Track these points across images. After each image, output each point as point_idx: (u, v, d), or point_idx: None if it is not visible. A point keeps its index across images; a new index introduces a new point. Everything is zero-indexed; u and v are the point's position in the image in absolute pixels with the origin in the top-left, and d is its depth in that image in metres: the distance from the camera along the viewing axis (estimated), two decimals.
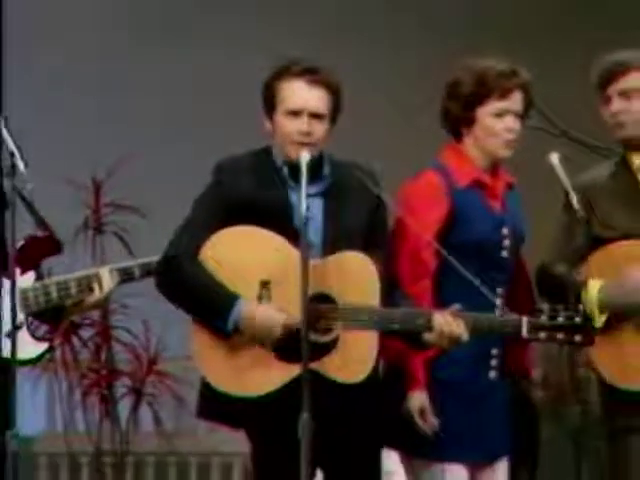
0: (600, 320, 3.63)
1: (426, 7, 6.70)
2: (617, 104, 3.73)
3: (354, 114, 5.70)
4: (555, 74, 5.90)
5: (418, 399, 3.51)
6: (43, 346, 3.44)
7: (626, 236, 3.68)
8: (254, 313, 3.30)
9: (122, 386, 6.37)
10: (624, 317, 3.64)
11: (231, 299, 3.32)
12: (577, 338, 3.36)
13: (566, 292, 3.58)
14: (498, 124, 3.63)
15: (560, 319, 3.36)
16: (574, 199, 3.58)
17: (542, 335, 3.36)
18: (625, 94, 3.73)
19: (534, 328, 3.36)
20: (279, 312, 3.30)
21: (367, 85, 5.89)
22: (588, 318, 3.38)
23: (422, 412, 3.51)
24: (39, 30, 6.58)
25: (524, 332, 3.36)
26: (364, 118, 5.76)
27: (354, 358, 3.33)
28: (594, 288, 3.63)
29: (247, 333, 3.31)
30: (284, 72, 3.41)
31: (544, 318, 3.37)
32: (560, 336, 3.36)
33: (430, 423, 3.51)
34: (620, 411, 3.70)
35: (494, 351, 3.63)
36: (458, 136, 3.69)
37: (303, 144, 3.33)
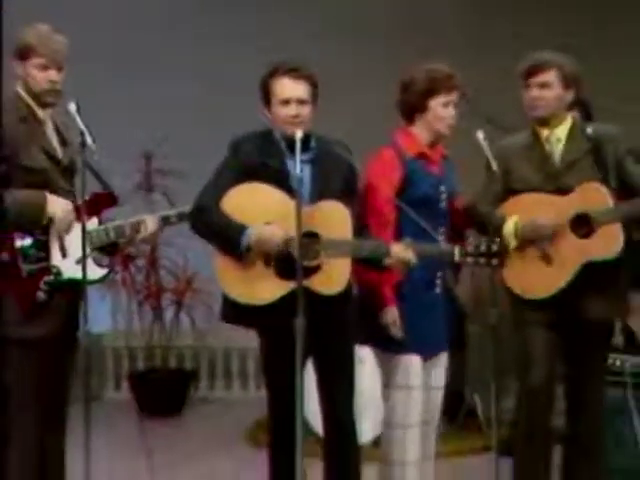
0: (513, 244, 3.64)
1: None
2: (535, 92, 3.70)
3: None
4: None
5: (391, 313, 3.55)
6: (104, 271, 3.41)
7: (535, 189, 3.69)
8: (262, 229, 3.31)
9: (167, 299, 6.36)
10: (529, 243, 3.65)
11: (243, 228, 3.33)
12: (494, 261, 3.38)
13: (488, 224, 3.61)
14: (445, 112, 3.63)
15: (482, 247, 3.37)
16: (493, 164, 3.57)
17: (469, 259, 3.39)
18: (542, 86, 3.69)
19: (463, 254, 3.38)
20: (280, 229, 3.31)
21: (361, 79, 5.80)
22: (502, 247, 3.40)
23: (394, 322, 3.54)
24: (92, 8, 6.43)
25: (456, 257, 3.39)
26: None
27: (333, 277, 3.34)
28: (511, 221, 3.64)
29: (256, 247, 3.30)
30: (274, 73, 3.40)
31: (470, 247, 3.38)
32: (482, 260, 3.38)
33: (399, 330, 3.55)
34: (521, 311, 3.73)
35: (438, 274, 3.67)
36: (410, 120, 3.68)
37: (295, 124, 3.32)
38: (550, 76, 3.69)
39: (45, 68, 3.32)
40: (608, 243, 3.61)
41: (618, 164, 3.69)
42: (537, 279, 3.68)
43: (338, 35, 6.46)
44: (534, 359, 3.72)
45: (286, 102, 3.37)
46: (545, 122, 3.72)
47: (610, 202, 3.63)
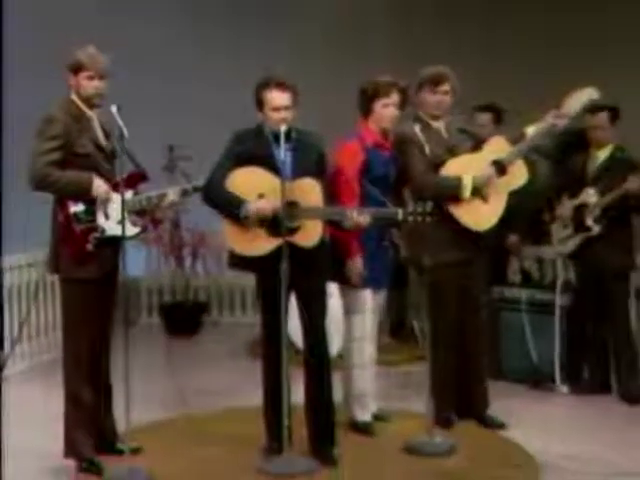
0: (468, 194, 3.67)
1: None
2: (439, 97, 3.76)
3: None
4: None
5: (357, 262, 3.58)
6: (138, 229, 3.39)
7: (442, 159, 3.73)
8: (255, 203, 3.30)
9: (186, 251, 6.34)
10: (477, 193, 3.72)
11: (242, 201, 3.31)
12: (428, 219, 3.34)
13: (446, 184, 3.67)
14: (385, 111, 3.63)
15: (419, 209, 3.34)
16: (427, 148, 3.61)
17: (410, 218, 3.34)
18: (444, 93, 3.76)
19: (405, 214, 3.34)
20: (269, 203, 3.29)
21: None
22: (433, 209, 3.35)
23: (358, 268, 3.58)
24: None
25: (400, 217, 3.35)
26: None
27: (309, 234, 3.33)
28: (468, 178, 3.68)
29: (251, 215, 3.29)
30: (266, 85, 3.35)
31: (410, 209, 3.35)
32: (419, 218, 3.33)
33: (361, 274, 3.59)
34: (439, 256, 3.67)
35: (386, 232, 3.70)
36: (365, 118, 3.68)
37: (283, 124, 3.28)
38: (448, 86, 3.76)
39: (92, 78, 3.29)
40: (519, 174, 3.77)
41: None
42: (481, 214, 3.73)
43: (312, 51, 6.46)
44: (447, 295, 3.73)
45: (276, 109, 3.32)
46: (438, 117, 3.80)
47: (509, 147, 3.75)
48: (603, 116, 4.25)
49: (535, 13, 6.48)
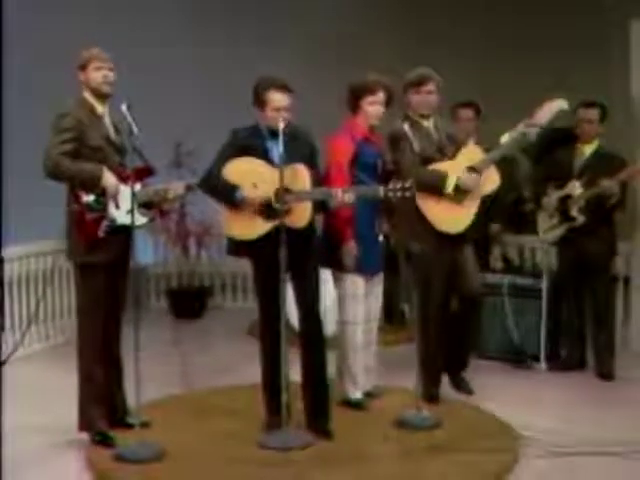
0: (451, 190, 3.67)
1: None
2: (424, 97, 3.76)
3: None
4: None
5: (351, 247, 3.58)
6: (146, 219, 3.40)
7: (430, 155, 3.74)
8: (248, 193, 3.31)
9: (191, 240, 6.33)
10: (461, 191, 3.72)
11: (237, 188, 3.32)
12: (407, 194, 3.26)
13: (433, 178, 3.67)
14: (370, 109, 3.62)
15: (398, 186, 3.27)
16: (415, 145, 3.62)
17: (390, 194, 3.27)
18: (429, 92, 3.75)
19: (385, 190, 3.27)
20: (259, 195, 3.30)
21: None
22: (412, 185, 3.28)
23: (352, 251, 3.57)
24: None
25: (380, 194, 3.29)
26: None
27: (300, 216, 3.32)
28: (453, 178, 3.69)
29: (245, 203, 3.31)
30: (270, 86, 3.35)
31: (390, 186, 3.29)
32: (399, 193, 3.26)
33: (353, 259, 3.59)
34: (427, 243, 3.71)
35: (377, 224, 3.69)
36: (354, 114, 3.69)
37: (281, 122, 3.29)
38: (433, 86, 3.76)
39: (100, 68, 3.34)
40: (491, 180, 3.77)
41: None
42: (455, 218, 3.73)
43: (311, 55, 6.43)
44: (433, 279, 3.75)
45: (278, 110, 3.32)
46: (426, 116, 3.80)
47: (483, 155, 3.76)
48: (595, 111, 4.28)
49: (531, 15, 6.46)
